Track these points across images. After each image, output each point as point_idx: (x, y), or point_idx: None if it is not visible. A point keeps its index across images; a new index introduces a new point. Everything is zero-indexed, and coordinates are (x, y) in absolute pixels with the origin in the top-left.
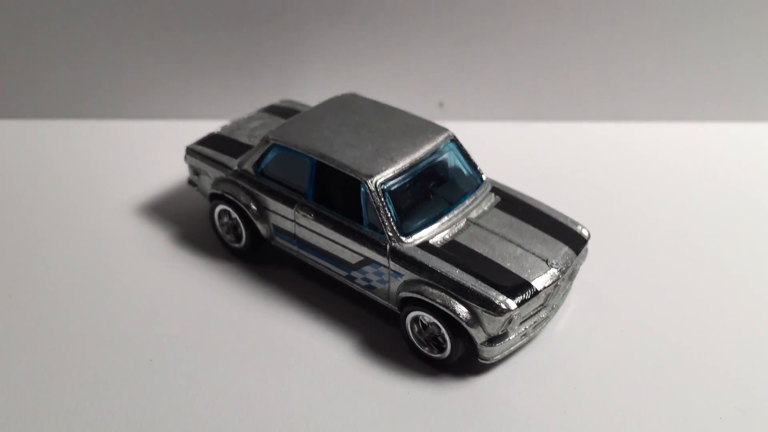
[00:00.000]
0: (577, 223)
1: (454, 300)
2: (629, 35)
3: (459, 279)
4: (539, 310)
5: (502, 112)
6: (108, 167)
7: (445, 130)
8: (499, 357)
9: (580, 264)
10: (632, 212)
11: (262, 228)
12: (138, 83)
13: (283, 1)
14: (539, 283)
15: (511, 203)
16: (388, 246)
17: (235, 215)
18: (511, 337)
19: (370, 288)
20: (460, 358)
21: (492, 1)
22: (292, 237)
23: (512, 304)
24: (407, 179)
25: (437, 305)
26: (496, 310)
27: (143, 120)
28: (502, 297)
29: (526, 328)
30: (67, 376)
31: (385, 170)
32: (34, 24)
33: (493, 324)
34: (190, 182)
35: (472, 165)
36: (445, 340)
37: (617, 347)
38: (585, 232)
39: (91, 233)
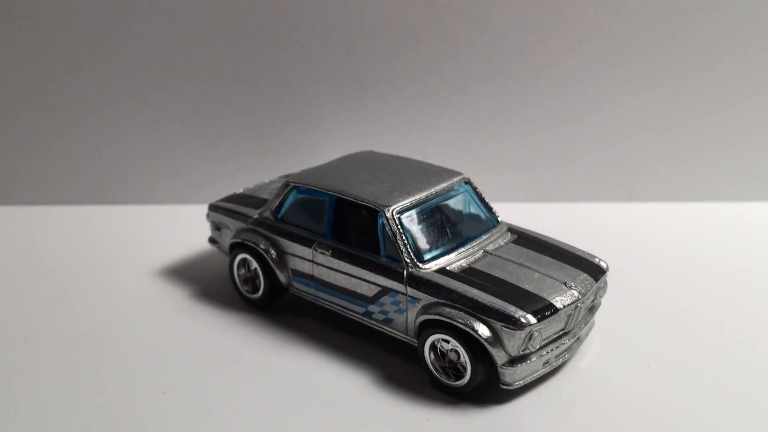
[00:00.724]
0: (594, 256)
1: (473, 318)
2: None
3: (477, 297)
4: (560, 336)
5: (515, 194)
6: (116, 249)
7: (459, 173)
8: (520, 383)
9: (601, 296)
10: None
11: (280, 274)
12: (158, 169)
13: (299, 86)
14: (558, 302)
15: (528, 239)
16: (405, 272)
17: (254, 264)
18: (532, 360)
19: (388, 321)
20: (480, 386)
21: (506, 86)
22: (310, 279)
23: (531, 318)
24: (423, 212)
25: (457, 324)
26: (515, 324)
27: (168, 204)
28: (521, 312)
29: (548, 356)
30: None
31: (401, 201)
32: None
33: (513, 341)
34: (211, 240)
35: (488, 207)
36: (464, 367)
37: (644, 383)
38: (603, 264)
39: (111, 295)
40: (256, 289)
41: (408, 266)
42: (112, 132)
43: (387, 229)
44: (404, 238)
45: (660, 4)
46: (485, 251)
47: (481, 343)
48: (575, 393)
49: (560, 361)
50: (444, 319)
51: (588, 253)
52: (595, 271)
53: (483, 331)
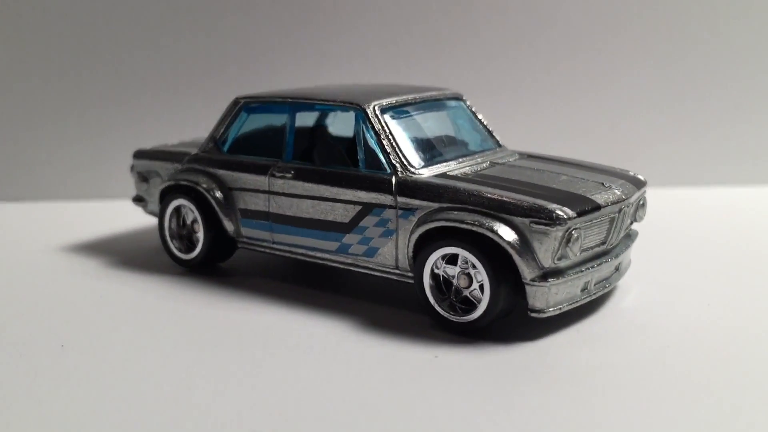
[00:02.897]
0: (629, 170)
1: (490, 218)
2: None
3: (495, 195)
4: (601, 255)
5: None
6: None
7: (449, 89)
8: (554, 309)
9: (641, 217)
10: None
11: (226, 219)
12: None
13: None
14: (600, 198)
15: (543, 157)
16: (393, 179)
17: (192, 215)
18: (569, 277)
19: (371, 253)
20: (499, 321)
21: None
22: (265, 218)
23: (569, 211)
24: (411, 117)
25: (470, 227)
26: (550, 218)
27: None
28: (555, 205)
29: (588, 277)
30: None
31: (384, 99)
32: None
33: (546, 243)
34: (137, 199)
35: (488, 130)
36: (476, 297)
37: (704, 321)
38: (641, 177)
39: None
40: (192, 248)
41: (397, 172)
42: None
43: (367, 132)
44: (390, 137)
45: None
46: (493, 162)
47: (502, 255)
48: (623, 329)
49: (600, 290)
50: (451, 224)
51: (620, 168)
52: (634, 181)
53: (505, 233)
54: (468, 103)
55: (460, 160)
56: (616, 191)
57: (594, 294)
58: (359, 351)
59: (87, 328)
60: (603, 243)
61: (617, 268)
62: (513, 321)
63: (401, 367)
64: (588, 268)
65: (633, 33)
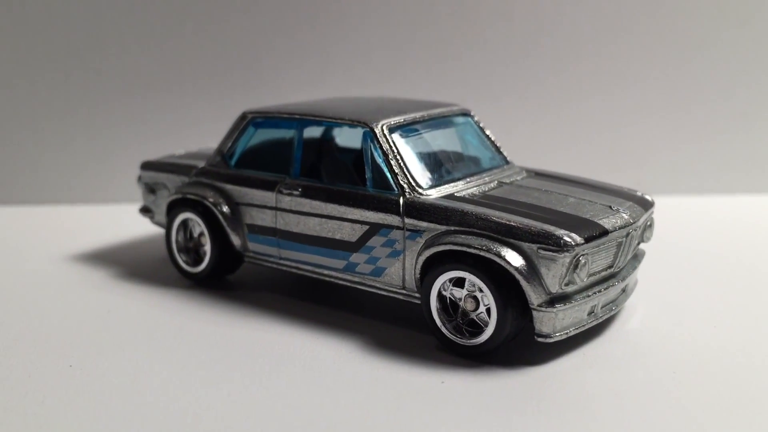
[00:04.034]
0: (636, 190)
1: (498, 243)
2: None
3: (503, 218)
4: (608, 279)
5: None
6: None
7: (457, 104)
8: (561, 334)
9: (648, 237)
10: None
11: (233, 234)
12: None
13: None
14: (607, 223)
15: (551, 175)
16: (401, 200)
17: (199, 227)
18: (577, 302)
19: (378, 273)
20: (506, 345)
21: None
22: (272, 234)
23: (577, 237)
24: (419, 136)
25: (477, 252)
26: (557, 245)
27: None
28: (563, 230)
29: (595, 301)
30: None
31: (392, 117)
32: None
33: (554, 269)
34: (144, 210)
35: (496, 147)
36: (484, 320)
37: (710, 344)
38: (648, 197)
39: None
40: (199, 261)
41: (405, 192)
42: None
43: (375, 151)
44: (398, 157)
45: None
46: (500, 182)
47: (509, 279)
48: (629, 354)
49: (607, 313)
50: (459, 248)
51: (627, 188)
52: (642, 202)
53: (513, 258)
54: (476, 118)
55: (468, 180)
56: (624, 215)
57: (601, 317)
58: (365, 373)
59: (94, 346)
60: (610, 267)
61: (624, 290)
62: (519, 344)
63: (407, 391)
64: (595, 293)
65: (639, 41)
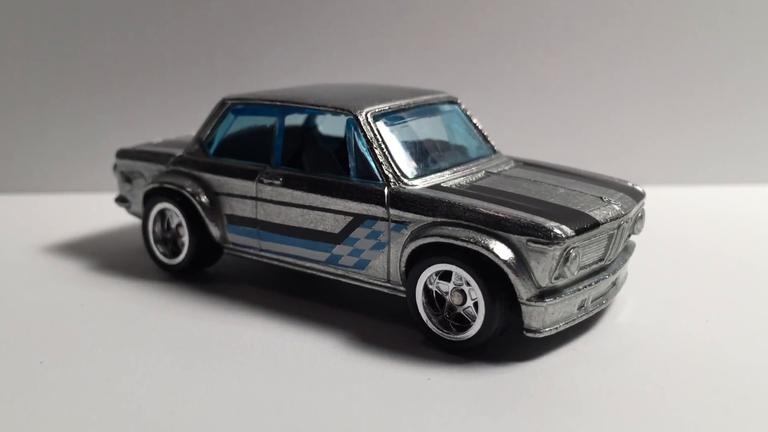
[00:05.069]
0: (626, 181)
1: (486, 236)
2: None
3: (491, 210)
4: (599, 272)
5: None
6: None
7: (443, 92)
8: (551, 329)
9: (638, 229)
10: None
11: (212, 224)
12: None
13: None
14: (598, 215)
15: (540, 165)
16: (386, 190)
17: (177, 218)
18: (566, 296)
19: (362, 265)
20: (493, 341)
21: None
22: (252, 224)
23: (567, 229)
24: (404, 124)
25: (464, 244)
26: (547, 237)
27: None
28: (553, 222)
29: (585, 295)
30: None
31: (376, 104)
32: None
33: (544, 262)
34: (120, 199)
35: (483, 135)
36: (471, 314)
37: (701, 336)
38: (639, 188)
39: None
40: (177, 252)
41: (389, 182)
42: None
43: (359, 140)
44: (383, 146)
45: None
46: (488, 172)
47: (497, 273)
48: (620, 348)
49: (597, 307)
50: (445, 240)
51: (618, 178)
52: (632, 193)
53: (501, 251)
54: (463, 106)
55: (455, 169)
56: (615, 206)
57: (591, 311)
58: (349, 369)
59: (67, 341)
60: (601, 259)
61: (614, 283)
62: (507, 339)
63: (392, 388)
64: (585, 286)
65: (629, 29)
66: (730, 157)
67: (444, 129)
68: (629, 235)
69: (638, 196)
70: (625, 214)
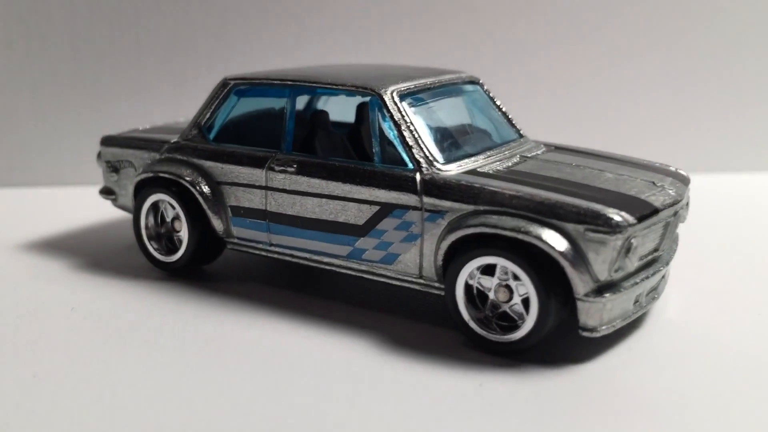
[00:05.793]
0: (669, 165)
1: (538, 225)
2: None
3: (543, 197)
4: (652, 263)
5: None
6: None
7: (464, 72)
8: (607, 327)
9: (683, 218)
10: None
11: (214, 217)
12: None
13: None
14: (656, 200)
15: (574, 149)
16: (418, 176)
17: (172, 210)
18: (625, 290)
19: (390, 260)
20: (547, 340)
21: None
22: (262, 217)
23: (630, 217)
24: (430, 103)
25: (515, 235)
26: (608, 225)
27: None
28: (613, 209)
29: (641, 288)
30: None
31: (400, 83)
32: None
33: (604, 254)
34: (105, 191)
35: (508, 118)
36: (518, 312)
37: (757, 334)
38: (684, 173)
39: None
40: (172, 248)
41: (421, 168)
42: None
43: (384, 121)
44: (412, 129)
45: None
46: (522, 156)
47: (552, 265)
48: (677, 346)
49: (650, 302)
50: (492, 231)
51: (659, 163)
52: (680, 178)
53: (556, 241)
54: (485, 87)
55: (488, 153)
56: (670, 191)
57: (644, 307)
58: (389, 376)
59: (60, 351)
60: (656, 249)
61: (663, 276)
62: (554, 339)
63: (443, 397)
64: (643, 279)
65: (630, 26)
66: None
67: (469, 111)
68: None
69: (686, 181)
70: (681, 200)
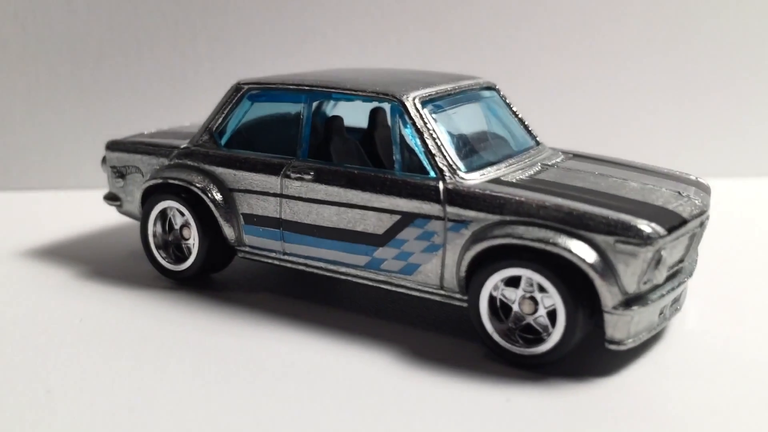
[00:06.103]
0: (689, 174)
1: (566, 236)
2: None
3: (571, 207)
4: (677, 274)
5: None
6: None
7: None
8: (633, 340)
9: (704, 228)
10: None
11: (226, 225)
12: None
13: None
14: (684, 211)
15: (593, 157)
16: (441, 185)
17: (181, 218)
18: (652, 302)
19: (410, 270)
20: (573, 353)
21: None
22: (276, 225)
23: (660, 228)
24: (451, 110)
25: (543, 246)
26: (639, 236)
27: None
28: (643, 220)
29: (665, 300)
30: None
31: (421, 89)
32: None
33: (633, 266)
34: (109, 197)
35: (525, 126)
36: (544, 324)
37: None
38: (704, 182)
39: None
40: (179, 257)
41: (444, 176)
42: None
43: (406, 128)
44: (434, 135)
45: None
46: (544, 164)
47: (580, 277)
48: (702, 358)
49: (673, 314)
50: (518, 242)
51: (679, 171)
52: (702, 187)
53: (585, 253)
54: (502, 93)
55: (509, 162)
56: (696, 201)
57: (668, 319)
58: (414, 389)
59: (73, 365)
60: (681, 261)
61: (686, 280)
62: (577, 351)
63: (471, 412)
64: (668, 291)
65: (633, 27)
66: None
67: (487, 117)
68: None
69: (708, 191)
70: (707, 210)
